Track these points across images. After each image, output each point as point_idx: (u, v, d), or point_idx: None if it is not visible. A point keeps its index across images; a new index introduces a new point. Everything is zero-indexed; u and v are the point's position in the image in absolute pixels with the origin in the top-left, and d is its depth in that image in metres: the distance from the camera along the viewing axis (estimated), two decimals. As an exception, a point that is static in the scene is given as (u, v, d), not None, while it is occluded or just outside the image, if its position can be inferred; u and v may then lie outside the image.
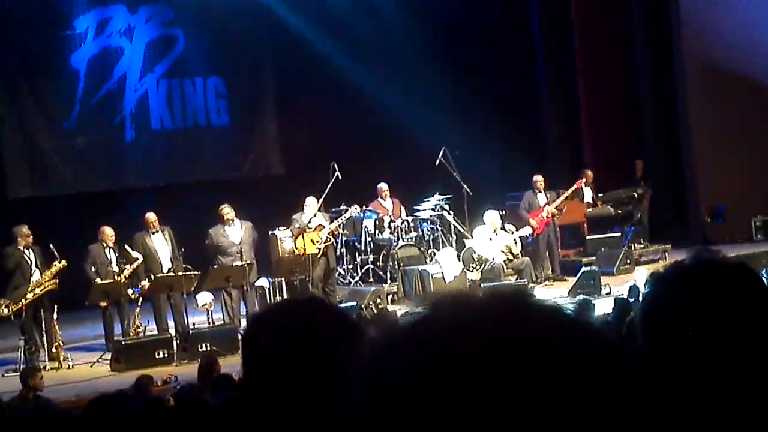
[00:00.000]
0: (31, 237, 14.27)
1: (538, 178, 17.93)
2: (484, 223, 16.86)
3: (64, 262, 14.23)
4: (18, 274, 14.13)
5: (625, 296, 12.37)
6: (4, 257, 14.21)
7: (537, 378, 0.90)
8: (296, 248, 15.96)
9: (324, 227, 16.11)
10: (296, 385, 1.97)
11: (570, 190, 18.10)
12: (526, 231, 17.19)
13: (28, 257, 14.21)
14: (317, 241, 15.96)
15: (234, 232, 15.47)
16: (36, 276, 14.16)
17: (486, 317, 0.96)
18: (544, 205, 17.68)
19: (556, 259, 17.82)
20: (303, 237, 15.95)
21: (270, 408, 2.01)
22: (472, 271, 16.42)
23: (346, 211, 16.70)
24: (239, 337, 12.31)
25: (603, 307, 12.32)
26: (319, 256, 15.98)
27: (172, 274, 14.67)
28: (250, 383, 2.11)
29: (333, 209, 17.03)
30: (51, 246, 14.23)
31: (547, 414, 0.88)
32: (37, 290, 14.03)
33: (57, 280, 14.16)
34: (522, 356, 0.91)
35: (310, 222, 16.01)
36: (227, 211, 15.50)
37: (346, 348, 2.02)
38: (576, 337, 0.95)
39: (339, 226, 16.47)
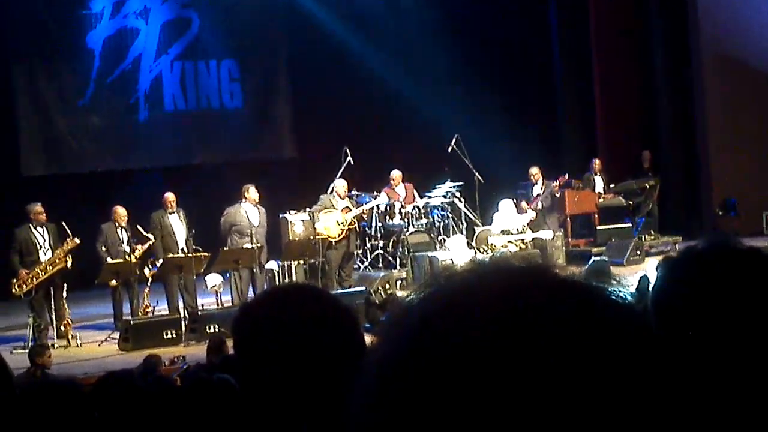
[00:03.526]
0: (44, 215, 14.20)
1: (532, 171, 17.96)
2: (498, 210, 16.88)
3: (76, 239, 14.18)
4: (27, 253, 14.09)
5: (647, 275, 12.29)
6: (14, 241, 14.13)
7: (556, 349, 0.88)
8: (319, 228, 15.91)
9: (350, 210, 16.12)
10: (283, 371, 1.98)
11: (547, 189, 17.85)
12: (546, 234, 17.04)
13: (41, 235, 14.18)
14: (342, 223, 15.97)
15: (254, 214, 15.43)
16: (48, 254, 14.15)
17: (503, 287, 0.94)
18: (536, 197, 17.67)
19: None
20: (327, 216, 15.95)
21: (262, 393, 2.03)
22: (483, 253, 16.39)
23: (375, 198, 16.82)
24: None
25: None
26: (340, 238, 15.98)
27: (182, 255, 14.67)
28: (243, 369, 2.13)
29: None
30: (63, 224, 14.19)
31: (568, 388, 0.86)
32: (49, 268, 14.00)
33: (70, 258, 14.13)
34: (540, 325, 0.89)
35: (337, 203, 16.06)
36: (254, 192, 15.44)
37: (335, 334, 2.03)
38: (596, 304, 0.93)
39: (364, 211, 16.49)
